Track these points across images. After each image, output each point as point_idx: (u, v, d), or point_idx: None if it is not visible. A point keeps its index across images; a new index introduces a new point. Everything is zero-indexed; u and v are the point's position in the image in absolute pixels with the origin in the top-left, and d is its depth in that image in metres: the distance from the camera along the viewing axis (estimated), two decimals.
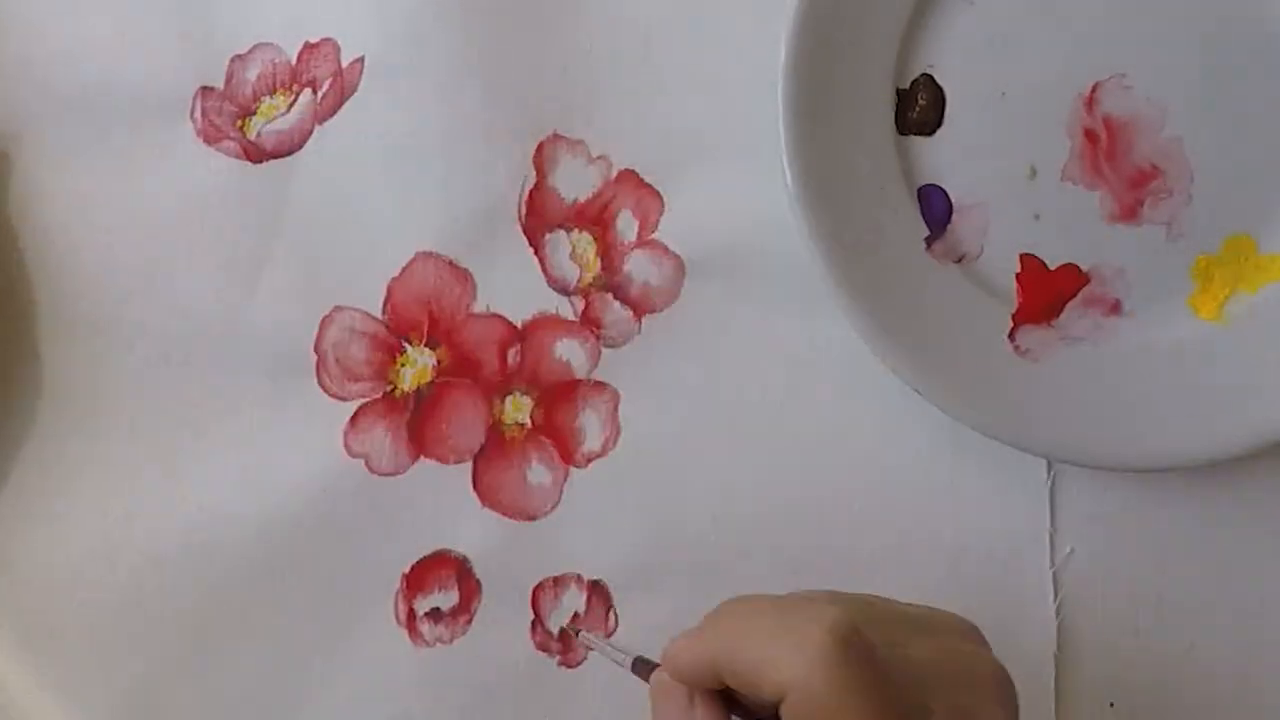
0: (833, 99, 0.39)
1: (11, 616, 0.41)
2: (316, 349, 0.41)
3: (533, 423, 0.41)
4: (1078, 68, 0.40)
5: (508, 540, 0.41)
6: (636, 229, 0.41)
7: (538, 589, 0.41)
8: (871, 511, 0.40)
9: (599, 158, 0.41)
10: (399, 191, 0.41)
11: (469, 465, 0.41)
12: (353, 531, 0.41)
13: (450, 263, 0.41)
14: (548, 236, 0.41)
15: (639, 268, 0.41)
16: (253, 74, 0.42)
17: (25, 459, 0.41)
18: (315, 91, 0.41)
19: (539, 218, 0.41)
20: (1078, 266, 0.40)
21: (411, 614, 0.41)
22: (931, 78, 0.40)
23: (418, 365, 0.41)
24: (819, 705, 0.27)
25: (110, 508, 0.41)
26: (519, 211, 0.41)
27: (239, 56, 0.42)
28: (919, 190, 0.40)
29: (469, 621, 0.41)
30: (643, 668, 0.33)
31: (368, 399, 0.41)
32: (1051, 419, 0.39)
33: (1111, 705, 0.40)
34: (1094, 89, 0.40)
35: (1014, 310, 0.40)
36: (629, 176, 0.41)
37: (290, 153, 0.41)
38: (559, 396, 0.41)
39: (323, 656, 0.40)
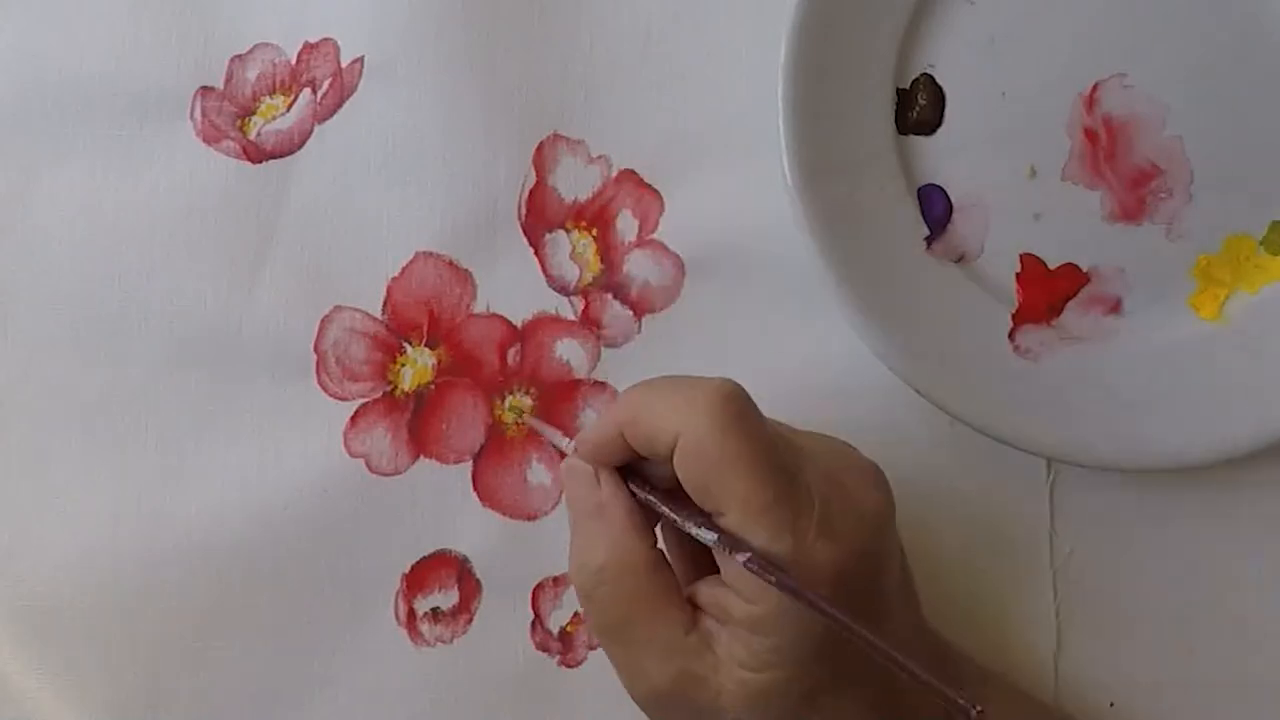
0: (833, 99, 0.39)
1: (12, 616, 0.41)
2: (316, 349, 0.41)
3: None
4: (1078, 68, 0.40)
5: (508, 540, 0.41)
6: (636, 229, 0.41)
7: (538, 589, 0.41)
8: None
9: (599, 157, 0.41)
10: (399, 191, 0.41)
11: (469, 465, 0.41)
12: (353, 531, 0.41)
13: (450, 263, 0.41)
14: (548, 236, 0.41)
15: (639, 267, 0.41)
16: (252, 74, 0.42)
17: (25, 458, 0.41)
18: (315, 91, 0.41)
19: (539, 217, 0.41)
20: (1078, 266, 0.40)
21: (411, 614, 0.41)
22: (931, 78, 0.40)
23: (418, 365, 0.41)
24: (702, 444, 0.31)
25: (110, 507, 0.41)
26: (519, 211, 0.41)
27: (239, 56, 0.42)
28: (919, 190, 0.40)
29: (469, 621, 0.41)
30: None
31: (368, 399, 0.41)
32: (1051, 419, 0.39)
33: (1111, 705, 0.40)
34: (1094, 89, 0.40)
35: (1014, 310, 0.40)
36: (629, 176, 0.41)
37: (290, 153, 0.41)
38: (559, 396, 0.41)
39: (323, 657, 0.40)
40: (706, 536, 0.31)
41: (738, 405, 0.31)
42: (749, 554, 0.30)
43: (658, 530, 0.35)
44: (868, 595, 0.31)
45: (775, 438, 0.32)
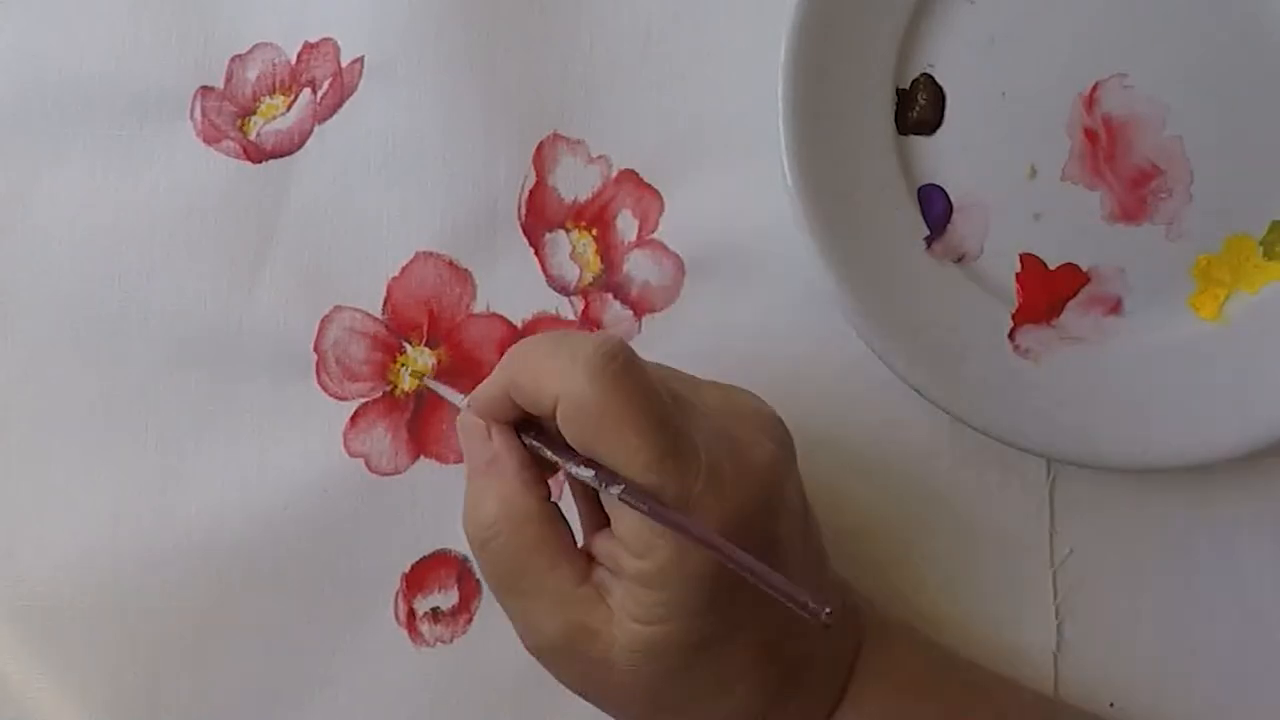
0: (833, 99, 0.39)
1: (12, 616, 0.41)
2: (316, 349, 0.41)
3: None
4: (1078, 67, 0.40)
5: None
6: (636, 229, 0.41)
7: None
8: (871, 511, 0.40)
9: (599, 157, 0.41)
10: (399, 191, 0.41)
11: None
12: (353, 531, 0.41)
13: (450, 262, 0.41)
14: (548, 236, 0.41)
15: (639, 268, 0.41)
16: (253, 74, 0.42)
17: (25, 458, 0.41)
18: (315, 91, 0.41)
19: (539, 217, 0.41)
20: (1078, 266, 0.40)
21: (411, 614, 0.41)
22: (931, 78, 0.40)
23: (418, 365, 0.41)
24: (582, 405, 0.31)
25: (110, 507, 0.41)
26: (519, 211, 0.41)
27: (239, 56, 0.42)
28: (919, 190, 0.40)
29: (469, 621, 0.41)
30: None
31: (368, 399, 0.41)
32: (1051, 419, 0.39)
33: (1111, 705, 0.40)
34: (1094, 89, 0.40)
35: (1014, 310, 0.40)
36: (629, 176, 0.41)
37: (290, 153, 0.41)
38: None
39: (323, 657, 0.40)
40: (584, 474, 0.31)
41: (618, 363, 0.31)
42: (622, 485, 0.30)
43: (556, 482, 0.35)
44: (760, 546, 0.31)
45: (662, 394, 0.32)
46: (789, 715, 0.34)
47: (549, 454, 0.33)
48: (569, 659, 0.33)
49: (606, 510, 0.32)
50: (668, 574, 0.31)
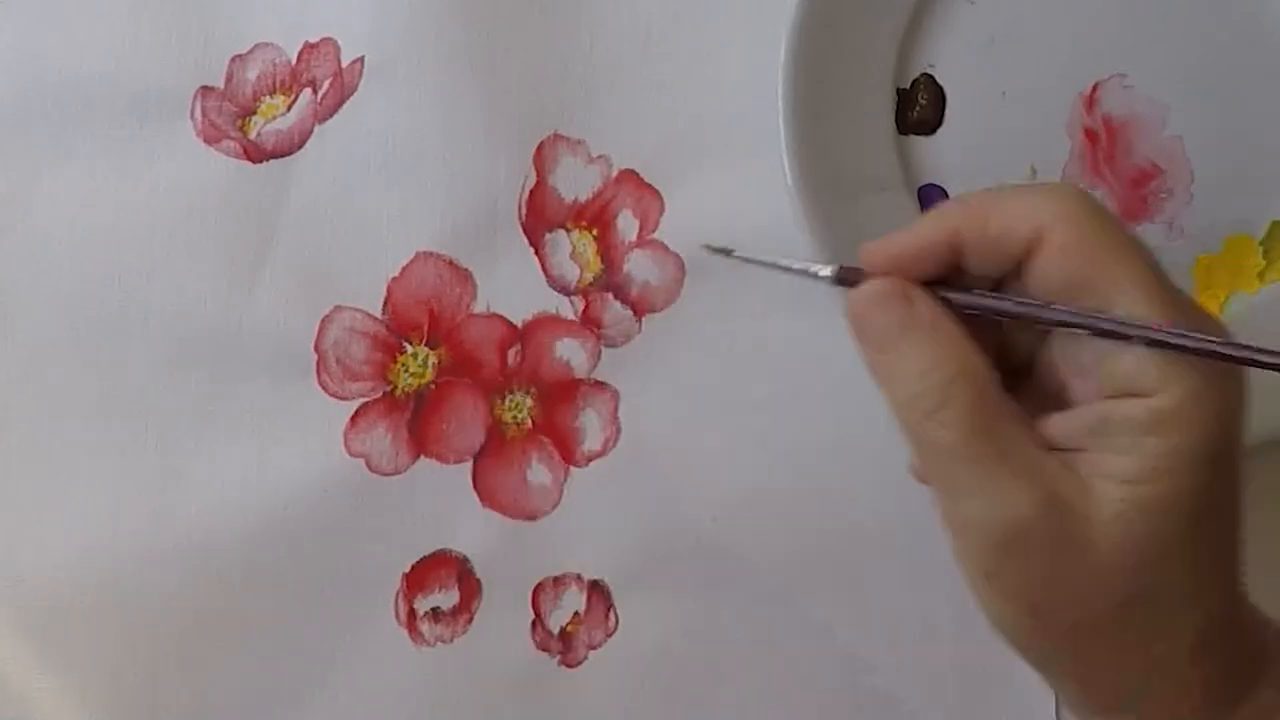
0: (833, 99, 0.39)
1: (12, 616, 0.41)
2: (316, 349, 0.41)
3: (533, 422, 0.41)
4: (1078, 67, 0.40)
5: (508, 540, 0.41)
6: (636, 229, 0.41)
7: (538, 589, 0.41)
8: (871, 511, 0.40)
9: (599, 157, 0.41)
10: (399, 191, 0.41)
11: (469, 465, 0.41)
12: (353, 531, 0.41)
13: (450, 262, 0.41)
14: (548, 236, 0.41)
15: (639, 267, 0.41)
16: (253, 74, 0.42)
17: (25, 458, 0.41)
18: (315, 91, 0.41)
19: (539, 217, 0.41)
20: None
21: (411, 614, 0.41)
22: (931, 78, 0.40)
23: (417, 365, 0.41)
24: (1083, 233, 0.28)
25: (110, 507, 0.41)
26: (519, 211, 0.41)
27: (239, 56, 0.42)
28: (919, 190, 0.40)
29: (469, 621, 0.41)
30: (849, 274, 0.31)
31: (368, 399, 0.41)
32: None
33: None
34: (1094, 89, 0.40)
35: None
36: (629, 176, 0.41)
37: (290, 153, 0.41)
38: (559, 396, 0.41)
39: (323, 656, 0.40)
40: (1076, 316, 0.28)
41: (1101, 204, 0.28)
42: (1141, 322, 0.27)
43: None
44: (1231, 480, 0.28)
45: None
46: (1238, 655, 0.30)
47: (1011, 304, 0.29)
48: (1035, 548, 0.28)
49: (1096, 358, 0.28)
50: (1187, 411, 0.27)
